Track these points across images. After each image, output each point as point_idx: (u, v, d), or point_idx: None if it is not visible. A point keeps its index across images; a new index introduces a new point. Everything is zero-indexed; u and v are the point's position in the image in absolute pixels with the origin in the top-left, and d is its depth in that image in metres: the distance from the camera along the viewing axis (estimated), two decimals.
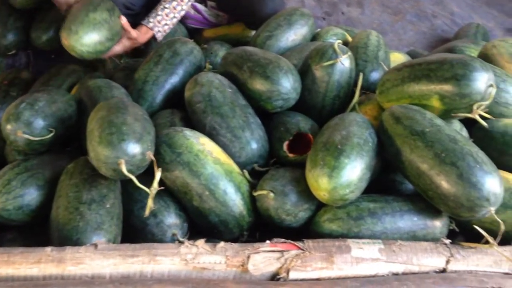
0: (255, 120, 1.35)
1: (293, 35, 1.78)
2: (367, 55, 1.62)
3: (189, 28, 2.20)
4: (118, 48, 1.79)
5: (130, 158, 1.06)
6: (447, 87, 1.19)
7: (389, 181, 1.35)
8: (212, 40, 2.07)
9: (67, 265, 0.96)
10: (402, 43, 2.52)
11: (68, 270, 0.96)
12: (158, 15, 1.85)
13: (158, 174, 1.07)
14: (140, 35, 1.83)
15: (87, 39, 1.55)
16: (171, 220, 1.17)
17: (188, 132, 1.21)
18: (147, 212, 1.07)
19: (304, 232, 1.20)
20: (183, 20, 2.10)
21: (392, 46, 2.47)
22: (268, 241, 1.07)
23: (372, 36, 1.72)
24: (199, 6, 2.19)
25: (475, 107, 1.18)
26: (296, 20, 1.81)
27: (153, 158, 1.10)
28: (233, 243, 1.05)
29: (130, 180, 1.07)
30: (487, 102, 1.19)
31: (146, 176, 1.12)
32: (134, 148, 1.06)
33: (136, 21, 1.87)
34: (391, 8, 2.75)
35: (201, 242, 1.02)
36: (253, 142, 1.29)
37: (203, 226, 1.21)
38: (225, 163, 1.20)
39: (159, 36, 1.87)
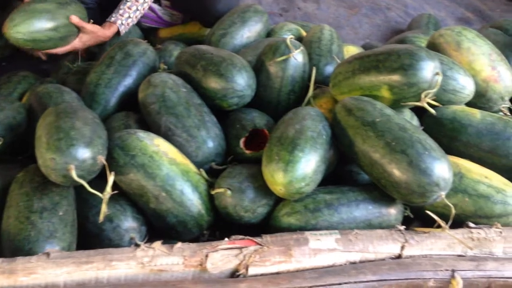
0: (211, 118, 1.34)
1: (248, 32, 1.78)
2: (320, 49, 1.64)
3: (144, 27, 2.17)
4: (77, 43, 1.80)
5: (80, 163, 1.04)
6: (395, 77, 1.22)
7: (346, 172, 1.37)
8: (168, 40, 2.05)
9: (19, 276, 0.93)
10: (358, 36, 2.56)
11: (20, 281, 0.93)
12: (120, 9, 1.85)
13: (111, 178, 1.06)
14: (102, 30, 1.82)
15: (22, 26, 1.58)
16: (128, 224, 1.15)
17: (142, 134, 1.20)
18: (101, 217, 1.05)
19: (266, 227, 1.21)
20: (139, 22, 2.07)
21: (348, 40, 2.50)
22: (226, 239, 1.07)
23: (325, 30, 1.74)
24: (154, 5, 2.16)
25: (423, 95, 1.21)
26: (250, 17, 1.81)
27: (104, 162, 1.08)
28: (190, 243, 1.05)
29: (84, 186, 1.05)
30: (434, 90, 1.22)
31: (101, 180, 1.10)
32: (83, 153, 1.04)
33: (89, 16, 1.85)
34: (347, 2, 2.79)
35: (157, 244, 1.02)
36: (210, 140, 1.29)
37: (162, 228, 1.20)
38: (181, 163, 1.20)
39: (122, 30, 1.87)
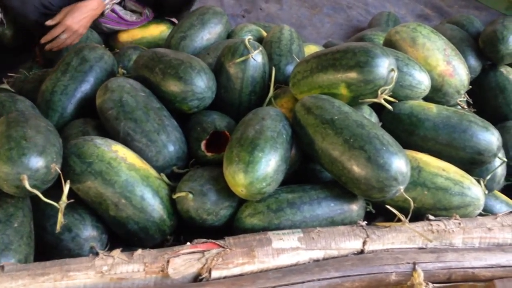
0: (171, 122, 1.33)
1: (208, 34, 1.77)
2: (280, 49, 1.65)
3: (106, 30, 2.12)
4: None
5: (33, 173, 1.01)
6: (352, 75, 1.23)
7: (309, 170, 1.38)
8: (129, 44, 2.02)
9: None
10: (320, 35, 2.58)
11: None
12: None
13: (66, 187, 1.03)
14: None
15: None
16: (88, 233, 1.13)
17: (99, 141, 1.17)
18: (58, 227, 1.02)
19: (231, 229, 1.20)
20: (98, 21, 2.04)
21: (311, 39, 2.53)
22: (188, 243, 1.06)
23: (285, 30, 1.75)
24: (115, 6, 2.12)
25: (379, 91, 1.23)
26: (209, 18, 1.80)
27: (59, 170, 1.05)
28: (151, 249, 1.03)
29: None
30: (390, 86, 1.24)
31: (58, 190, 1.07)
32: (36, 162, 1.01)
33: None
34: (308, 2, 2.81)
35: (116, 252, 1.00)
36: (170, 144, 1.27)
37: (123, 235, 1.18)
38: (141, 168, 1.18)
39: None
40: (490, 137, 1.27)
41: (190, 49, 1.72)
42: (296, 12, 2.74)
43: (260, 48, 1.44)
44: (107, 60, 1.53)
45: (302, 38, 2.42)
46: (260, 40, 1.81)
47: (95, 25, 2.05)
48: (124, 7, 2.14)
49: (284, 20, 2.63)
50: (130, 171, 1.14)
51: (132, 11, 2.16)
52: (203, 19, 1.78)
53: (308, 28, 2.64)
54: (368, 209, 1.24)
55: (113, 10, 2.09)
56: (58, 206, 1.01)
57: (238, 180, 1.10)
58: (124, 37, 2.09)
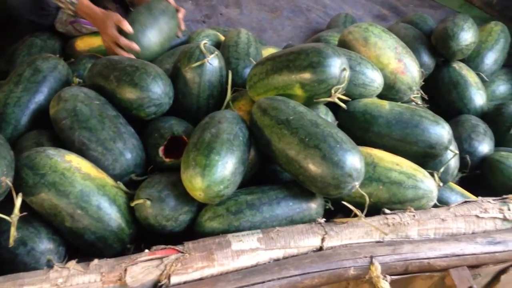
0: (127, 129, 1.32)
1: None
2: (238, 53, 1.66)
3: (85, 31, 2.07)
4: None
5: None
6: (305, 75, 1.25)
7: (270, 171, 1.39)
8: (87, 52, 1.99)
9: None
10: (281, 38, 2.61)
11: None
12: None
13: (18, 200, 1.01)
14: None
15: None
16: (43, 246, 1.11)
17: (52, 151, 1.15)
18: (11, 241, 1.00)
19: (192, 234, 1.20)
20: (78, 22, 2.01)
21: (272, 42, 2.55)
22: (147, 250, 1.05)
23: (242, 34, 1.76)
24: None
25: (333, 91, 1.25)
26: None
27: (10, 183, 1.03)
28: (108, 259, 1.02)
29: None
30: (343, 85, 1.26)
31: (12, 203, 1.05)
32: None
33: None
34: (268, 6, 2.84)
35: (72, 263, 0.98)
36: (127, 152, 1.26)
37: (81, 246, 1.16)
38: (97, 177, 1.16)
39: None
40: (440, 131, 1.31)
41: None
42: (257, 16, 2.76)
43: (216, 52, 1.45)
44: (61, 69, 1.51)
45: (263, 41, 2.45)
46: (218, 44, 1.82)
47: (75, 27, 2.02)
48: None
49: (245, 24, 2.65)
50: (85, 181, 1.13)
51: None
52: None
53: (269, 31, 2.67)
54: (327, 207, 1.26)
55: None
56: (11, 220, 0.99)
57: (196, 184, 1.10)
58: (81, 45, 2.06)
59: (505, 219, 1.22)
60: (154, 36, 1.65)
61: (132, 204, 1.17)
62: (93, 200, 1.12)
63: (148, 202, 1.15)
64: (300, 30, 2.69)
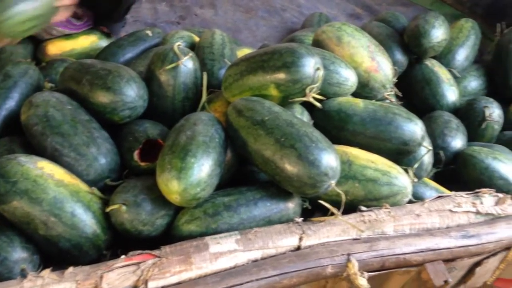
0: (101, 134, 1.30)
1: None
2: (213, 54, 1.65)
3: (55, 33, 2.02)
4: None
5: None
6: (280, 75, 1.25)
7: (248, 172, 1.39)
8: (58, 56, 1.96)
9: None
10: (256, 39, 2.61)
11: None
12: None
13: None
14: None
15: None
16: (17, 255, 1.08)
17: (23, 158, 1.13)
18: None
19: (170, 238, 1.19)
20: (50, 24, 1.96)
21: (247, 43, 2.55)
22: (123, 256, 1.04)
23: (217, 35, 1.76)
24: None
25: (307, 90, 1.26)
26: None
27: None
28: (83, 266, 1.00)
29: None
30: (317, 85, 1.27)
31: None
32: None
33: None
34: (243, 6, 2.84)
35: (46, 271, 0.96)
36: (101, 157, 1.25)
37: (56, 254, 1.13)
38: (70, 184, 1.14)
39: None
40: (413, 128, 1.33)
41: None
42: (232, 17, 2.75)
43: (191, 54, 1.44)
44: (32, 74, 1.48)
45: (239, 42, 2.45)
46: (192, 45, 1.81)
47: (45, 29, 1.97)
48: None
49: (220, 25, 2.64)
50: (58, 188, 1.11)
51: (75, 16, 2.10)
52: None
53: (244, 32, 2.67)
54: (304, 206, 1.26)
55: None
56: None
57: (172, 187, 1.09)
58: (53, 49, 2.02)
59: (478, 212, 1.24)
60: None
61: (108, 210, 1.15)
62: (67, 207, 1.10)
63: (124, 207, 1.13)
64: (275, 30, 2.69)
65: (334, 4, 2.98)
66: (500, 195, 1.29)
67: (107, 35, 2.14)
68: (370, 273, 1.09)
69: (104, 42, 2.09)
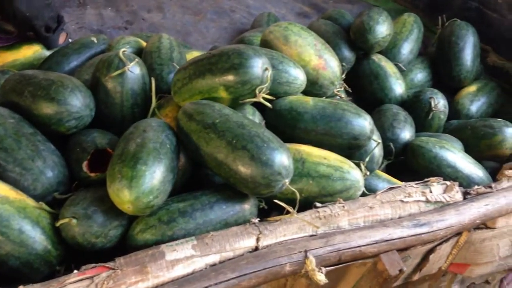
0: (47, 146, 1.26)
1: None
2: (161, 59, 1.63)
3: None
4: None
5: None
6: (228, 77, 1.25)
7: (203, 175, 1.38)
8: (0, 68, 1.87)
9: None
10: (206, 41, 2.59)
11: None
12: None
13: None
14: None
15: None
16: None
17: None
18: None
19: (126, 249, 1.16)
20: None
21: (198, 46, 2.53)
22: (76, 271, 1.01)
23: (164, 39, 1.73)
24: None
25: (257, 91, 1.26)
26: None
27: None
28: (35, 284, 0.96)
29: None
30: (266, 85, 1.28)
31: None
32: None
33: None
34: (191, 9, 2.81)
35: None
36: (48, 170, 1.20)
37: (6, 273, 1.09)
38: (16, 200, 1.10)
39: None
40: (362, 122, 1.36)
41: None
42: (180, 20, 2.73)
43: (137, 59, 1.41)
44: None
45: (189, 45, 2.42)
46: (140, 51, 1.78)
47: None
48: None
49: (169, 29, 2.61)
50: (3, 205, 1.06)
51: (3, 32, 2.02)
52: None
53: (194, 34, 2.65)
54: (261, 206, 1.27)
55: None
56: None
57: (123, 197, 1.07)
58: None
59: (428, 201, 1.29)
60: None
61: (57, 224, 1.11)
62: (13, 224, 1.06)
63: (74, 221, 1.10)
64: (225, 32, 2.69)
65: (282, 3, 3.00)
66: (448, 182, 1.34)
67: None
68: (328, 268, 1.11)
69: (48, 52, 2.02)
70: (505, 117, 1.96)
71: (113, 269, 1.00)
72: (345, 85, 1.82)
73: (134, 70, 1.39)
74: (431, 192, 1.30)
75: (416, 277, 1.42)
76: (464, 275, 1.57)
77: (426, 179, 1.34)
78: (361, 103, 1.87)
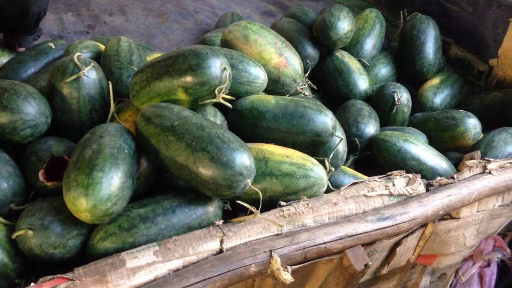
0: (1, 157, 1.21)
1: None
2: (120, 62, 1.59)
3: None
4: None
5: None
6: (186, 79, 1.23)
7: (167, 179, 1.35)
8: None
9: None
10: (171, 42, 2.56)
11: None
12: None
13: None
14: None
15: None
16: None
17: None
18: None
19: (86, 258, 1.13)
20: None
21: (162, 48, 2.50)
22: (32, 284, 0.97)
23: (123, 42, 1.70)
24: None
25: (216, 91, 1.25)
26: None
27: None
28: None
29: None
30: (226, 85, 1.26)
31: None
32: None
33: None
34: (155, 11, 2.78)
35: None
36: (2, 181, 1.16)
37: None
38: None
39: None
40: (324, 119, 1.35)
41: None
42: (144, 22, 2.69)
43: (93, 64, 1.38)
44: None
45: (153, 47, 2.39)
46: (99, 55, 1.74)
47: None
48: None
49: (132, 31, 2.57)
50: None
51: None
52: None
53: (158, 36, 2.61)
54: (226, 208, 1.25)
55: None
56: None
57: (80, 205, 1.04)
58: None
59: (391, 194, 1.29)
60: None
61: (13, 236, 1.07)
62: None
63: (30, 232, 1.06)
64: (190, 33, 2.66)
65: (247, 3, 2.99)
66: (410, 175, 1.35)
67: (11, 50, 2.02)
68: (294, 267, 1.10)
69: (5, 59, 1.95)
70: (469, 107, 2.00)
71: (72, 280, 0.97)
72: (309, 82, 1.82)
73: (90, 74, 1.36)
74: (394, 185, 1.30)
75: (385, 270, 1.43)
76: (433, 266, 1.59)
77: (389, 173, 1.34)
78: (327, 100, 1.88)
